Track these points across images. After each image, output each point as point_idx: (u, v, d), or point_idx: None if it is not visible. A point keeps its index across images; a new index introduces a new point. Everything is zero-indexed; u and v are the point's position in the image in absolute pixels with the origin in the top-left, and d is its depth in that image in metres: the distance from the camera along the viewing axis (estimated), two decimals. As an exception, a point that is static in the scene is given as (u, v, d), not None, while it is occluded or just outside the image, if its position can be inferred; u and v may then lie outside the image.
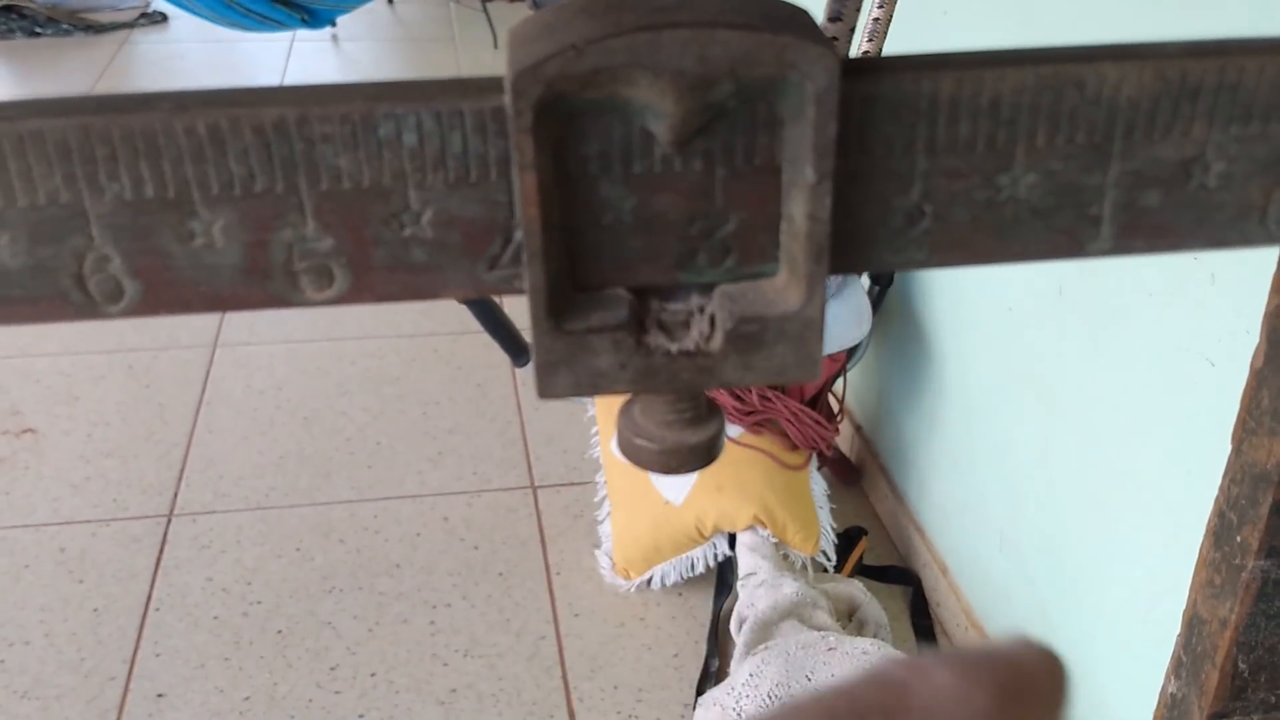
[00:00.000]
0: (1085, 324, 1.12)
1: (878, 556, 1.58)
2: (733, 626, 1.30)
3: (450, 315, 2.04)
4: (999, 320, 1.30)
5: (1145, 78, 0.15)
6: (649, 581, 1.46)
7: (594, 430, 1.60)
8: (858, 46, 0.95)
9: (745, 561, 1.36)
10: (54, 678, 1.34)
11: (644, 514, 1.43)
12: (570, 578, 1.51)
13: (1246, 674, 0.28)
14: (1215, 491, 0.33)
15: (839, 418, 1.54)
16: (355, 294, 0.15)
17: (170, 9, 3.62)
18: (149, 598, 1.46)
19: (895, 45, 1.25)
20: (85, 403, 1.84)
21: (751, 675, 1.12)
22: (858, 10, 0.75)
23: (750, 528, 1.38)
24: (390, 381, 1.92)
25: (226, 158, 0.14)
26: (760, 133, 0.15)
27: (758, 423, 1.45)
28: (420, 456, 1.73)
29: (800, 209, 0.15)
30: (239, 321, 2.06)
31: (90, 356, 1.95)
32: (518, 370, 1.82)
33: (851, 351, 1.51)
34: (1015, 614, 1.30)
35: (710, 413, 0.18)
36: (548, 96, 0.14)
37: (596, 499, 1.55)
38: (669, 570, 1.44)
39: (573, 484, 1.68)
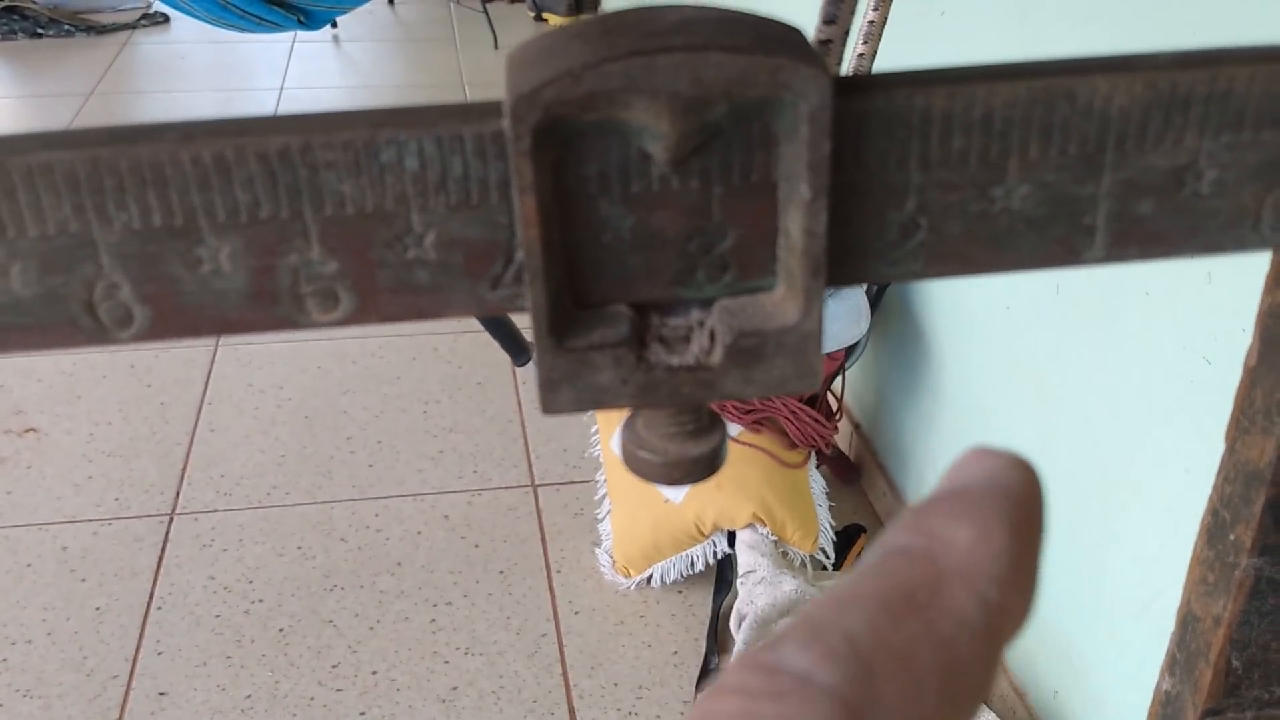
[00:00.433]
0: (1083, 323, 1.12)
1: (877, 554, 1.58)
2: (732, 624, 1.30)
3: (450, 314, 2.04)
4: (997, 319, 1.30)
5: (1136, 89, 0.16)
6: (649, 579, 1.47)
7: (594, 429, 1.61)
8: (853, 48, 0.95)
9: (745, 559, 1.36)
10: (56, 676, 1.35)
11: (644, 512, 1.43)
12: (570, 575, 1.51)
13: (1240, 671, 0.28)
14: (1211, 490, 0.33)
15: (838, 416, 1.54)
16: (361, 315, 0.16)
17: (170, 11, 3.62)
18: (151, 596, 1.46)
19: (893, 47, 1.25)
20: (87, 402, 1.84)
21: (752, 673, 1.12)
22: (852, 13, 0.75)
23: (750, 525, 1.39)
24: (391, 380, 1.92)
25: (232, 186, 0.15)
26: (756, 151, 0.15)
27: (757, 421, 1.45)
28: (421, 455, 1.74)
29: (797, 224, 0.16)
30: (239, 321, 2.06)
31: (92, 356, 1.96)
32: (518, 369, 1.82)
33: (850, 350, 1.51)
34: (1014, 611, 1.31)
35: (712, 425, 0.18)
36: (545, 121, 0.14)
37: (596, 497, 1.55)
38: (669, 568, 1.45)
39: (573, 482, 1.68)
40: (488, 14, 3.59)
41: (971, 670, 0.13)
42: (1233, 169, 0.16)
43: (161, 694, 1.33)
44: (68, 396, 1.85)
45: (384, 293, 0.16)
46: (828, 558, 1.46)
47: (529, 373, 1.59)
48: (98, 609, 1.44)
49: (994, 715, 1.08)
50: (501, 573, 1.52)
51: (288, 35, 3.30)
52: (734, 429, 1.44)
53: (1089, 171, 0.16)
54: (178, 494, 1.64)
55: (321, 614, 1.44)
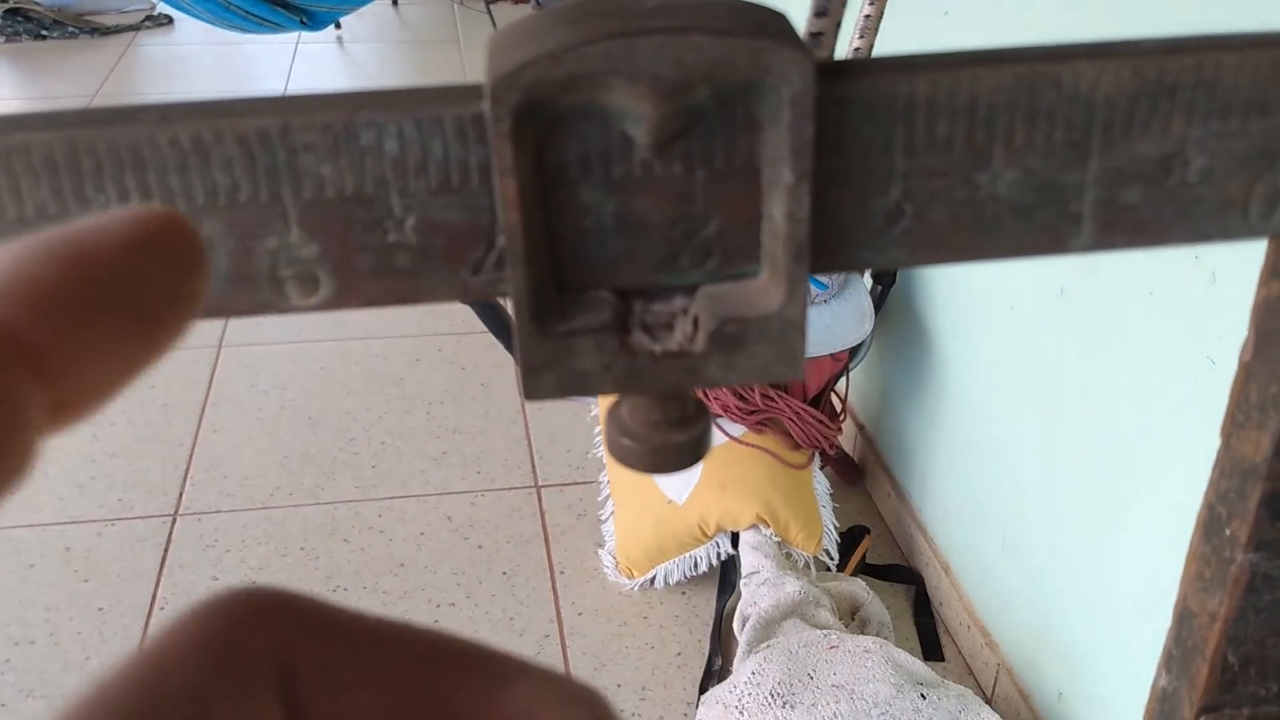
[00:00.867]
0: (1087, 323, 1.12)
1: (880, 555, 1.58)
2: (736, 625, 1.30)
3: (454, 316, 2.05)
4: (1001, 320, 1.30)
5: (1122, 75, 0.15)
6: (652, 580, 1.46)
7: (597, 430, 1.61)
8: (849, 42, 0.95)
9: (748, 560, 1.36)
10: (59, 677, 1.35)
11: (647, 513, 1.43)
12: (574, 577, 1.51)
13: (1236, 667, 0.28)
14: (1211, 488, 0.32)
15: (842, 417, 1.54)
16: (341, 299, 0.16)
17: (174, 12, 3.63)
18: (154, 597, 1.46)
19: (894, 44, 1.25)
20: (91, 403, 1.84)
21: (754, 674, 1.12)
22: (843, 5, 0.75)
23: (753, 526, 1.39)
24: (394, 381, 1.92)
25: (211, 168, 0.15)
26: (739, 135, 0.15)
27: (760, 422, 1.45)
28: (424, 456, 1.74)
29: (780, 210, 0.15)
30: (244, 322, 2.06)
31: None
32: (521, 370, 1.82)
33: (854, 351, 1.51)
34: (1017, 612, 1.30)
35: (697, 412, 0.18)
36: (526, 102, 0.14)
37: (600, 498, 1.55)
38: (672, 569, 1.45)
39: (576, 483, 1.68)
40: (491, 14, 3.59)
41: None
42: (1220, 157, 0.16)
43: (164, 694, 1.33)
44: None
45: (364, 277, 0.16)
46: (831, 559, 1.45)
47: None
48: (101, 610, 1.44)
49: (998, 717, 1.08)
50: (505, 574, 1.51)
51: (291, 36, 3.31)
52: (737, 430, 1.43)
53: (1075, 158, 0.16)
54: (181, 495, 1.64)
55: (324, 615, 1.44)
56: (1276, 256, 0.21)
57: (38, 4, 3.61)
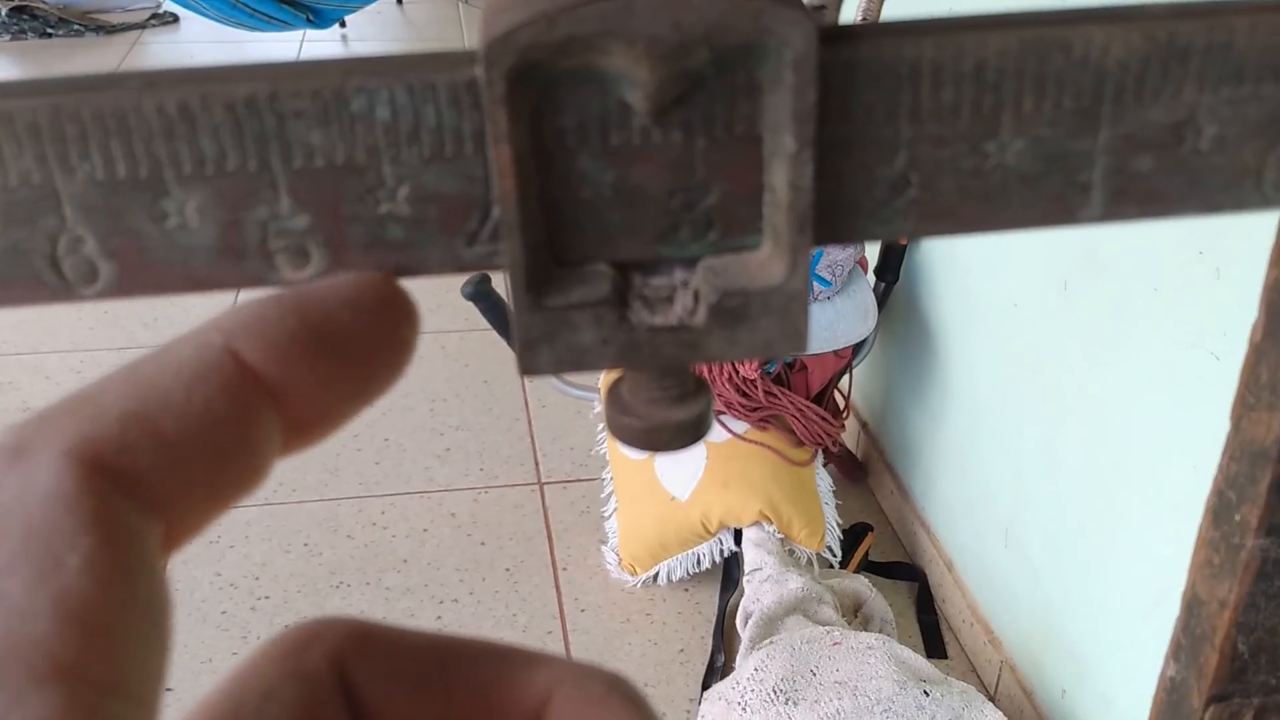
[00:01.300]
0: (1090, 319, 1.11)
1: (883, 552, 1.57)
2: (738, 622, 1.30)
3: (458, 312, 2.04)
4: (1004, 316, 1.29)
5: (1133, 39, 0.15)
6: (655, 577, 1.46)
7: (600, 427, 1.60)
8: (853, 18, 0.94)
9: (751, 557, 1.36)
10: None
11: (650, 510, 1.43)
12: (576, 573, 1.51)
13: (1246, 656, 0.27)
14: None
15: (845, 414, 1.54)
16: (332, 272, 0.15)
17: (180, 10, 3.64)
18: (157, 593, 1.46)
19: (902, 9, 1.26)
20: (94, 399, 1.84)
21: (756, 670, 1.11)
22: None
23: (756, 523, 1.38)
24: (397, 378, 1.92)
25: (197, 135, 0.14)
26: (740, 101, 0.15)
27: (763, 419, 1.44)
28: (428, 453, 1.74)
29: (782, 178, 0.15)
30: (247, 319, 2.06)
31: (100, 353, 1.96)
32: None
33: (857, 348, 1.50)
34: (1021, 609, 1.30)
35: (698, 389, 0.18)
36: (520, 66, 0.14)
37: (603, 495, 1.55)
38: (675, 566, 1.44)
39: (579, 480, 1.68)
40: (496, 14, 3.59)
41: None
42: (1233, 124, 0.16)
43: (167, 690, 1.33)
44: (75, 394, 1.86)
45: (356, 249, 0.15)
46: (834, 556, 1.45)
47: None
48: (104, 605, 1.44)
49: (1001, 714, 1.08)
50: (507, 570, 1.51)
51: (296, 34, 3.30)
52: (740, 427, 1.43)
53: (1085, 126, 0.16)
54: (184, 491, 1.64)
55: (327, 611, 1.44)
56: (1288, 234, 0.21)
57: (43, 2, 3.61)
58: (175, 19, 3.72)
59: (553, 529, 1.59)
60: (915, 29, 0.15)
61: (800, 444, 1.45)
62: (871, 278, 1.52)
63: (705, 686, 1.31)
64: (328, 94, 0.14)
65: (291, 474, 1.68)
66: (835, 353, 1.46)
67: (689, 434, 0.18)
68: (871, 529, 1.55)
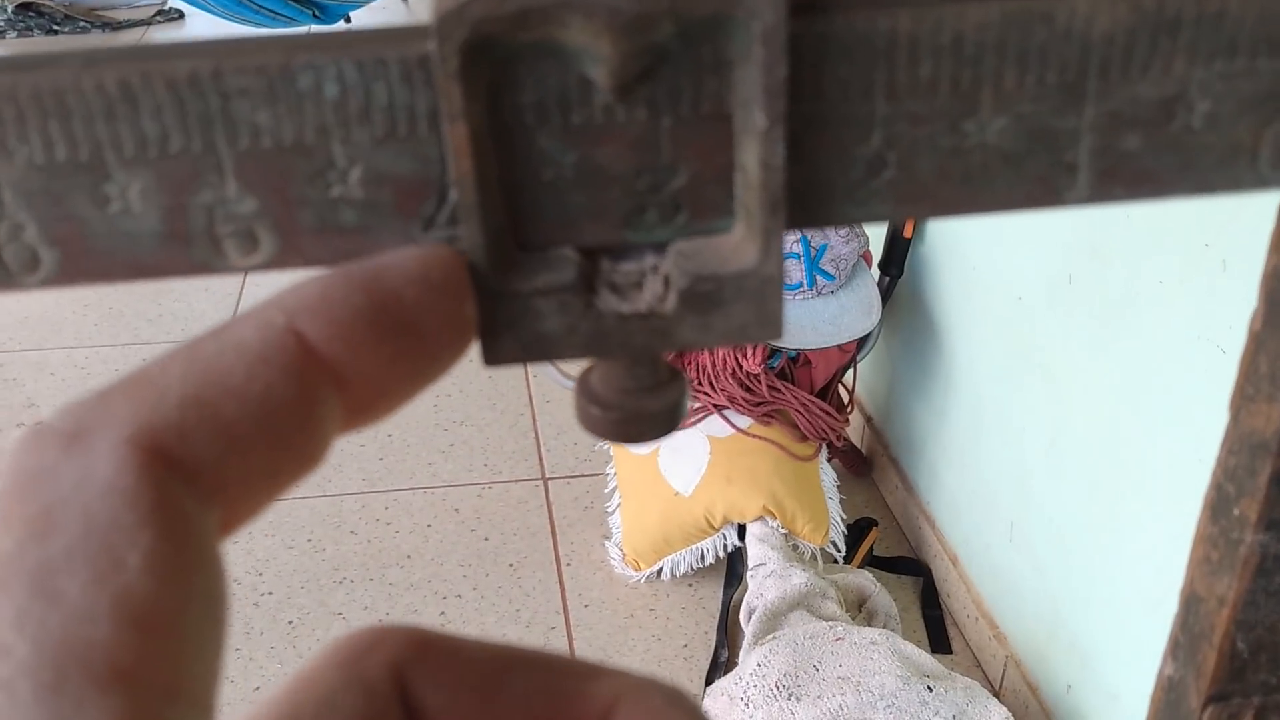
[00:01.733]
0: (1095, 313, 1.10)
1: (888, 547, 1.57)
2: (742, 617, 1.29)
3: (461, 307, 2.04)
4: (1009, 310, 1.29)
5: (1119, 10, 0.14)
6: (659, 572, 1.46)
7: (604, 421, 1.60)
8: None
9: (755, 552, 1.35)
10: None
11: (654, 505, 1.42)
12: (580, 569, 1.50)
13: (1246, 654, 0.27)
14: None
15: (849, 409, 1.53)
16: (283, 258, 0.15)
17: (186, 6, 3.64)
18: (160, 589, 1.46)
19: None
20: (98, 395, 1.84)
21: (759, 665, 1.11)
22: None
23: (760, 518, 1.38)
24: (401, 373, 1.92)
25: (139, 116, 0.14)
26: (707, 77, 0.14)
27: (767, 414, 1.44)
28: (432, 448, 1.73)
29: (753, 157, 0.14)
30: (251, 314, 2.06)
31: (104, 350, 1.96)
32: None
33: (861, 342, 1.50)
34: (1025, 604, 1.29)
35: (670, 377, 0.17)
36: (475, 39, 0.13)
37: (606, 490, 1.55)
38: (679, 561, 1.44)
39: (583, 475, 1.67)
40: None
41: None
42: (1227, 100, 0.15)
43: (170, 686, 1.33)
44: (80, 390, 1.86)
45: (307, 234, 0.15)
46: (838, 551, 1.44)
47: (541, 366, 1.58)
48: (107, 601, 1.44)
49: (1006, 710, 1.07)
50: (511, 566, 1.51)
51: (301, 30, 3.30)
52: (744, 422, 1.42)
53: (1070, 102, 0.15)
54: (188, 487, 1.65)
55: (331, 606, 1.44)
56: (1287, 218, 0.20)
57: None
58: (181, 15, 3.72)
59: (556, 524, 1.58)
60: (890, 1, 0.14)
61: (804, 438, 1.45)
62: (876, 271, 1.51)
63: (709, 682, 1.31)
64: (273, 71, 0.14)
65: (295, 469, 1.68)
66: (839, 347, 1.45)
67: (662, 425, 0.17)
68: (876, 524, 1.55)
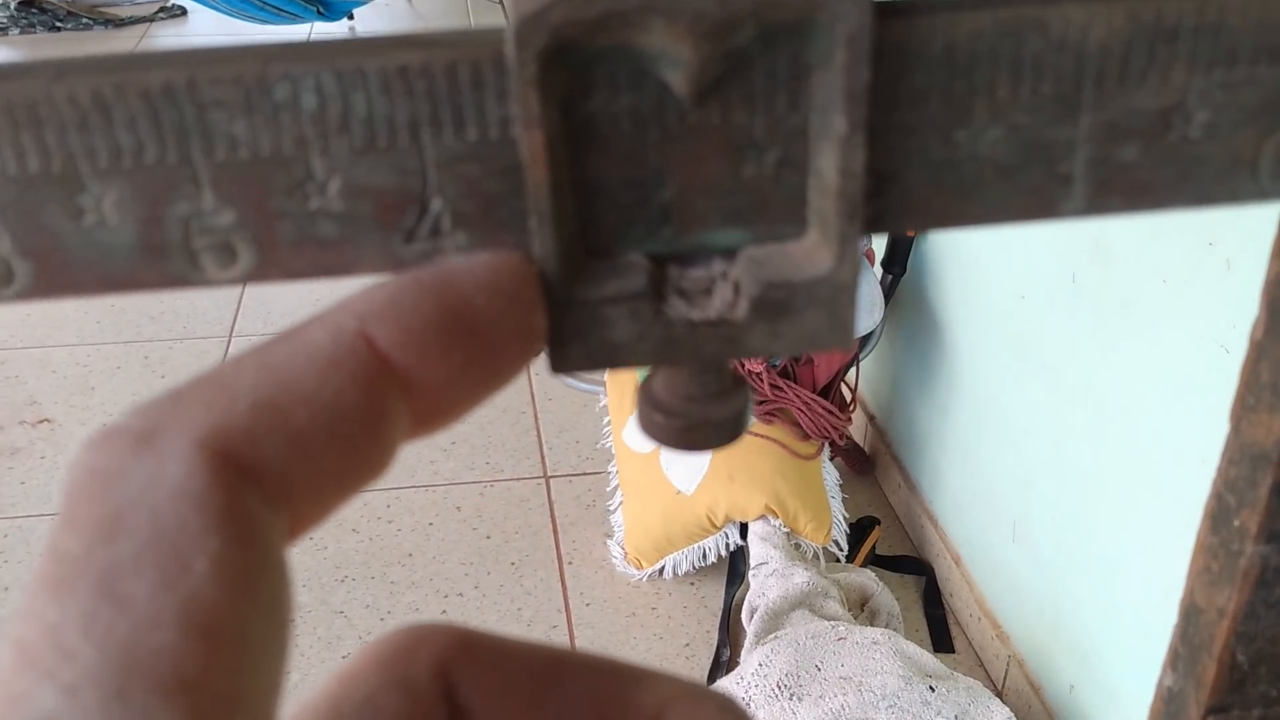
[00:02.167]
0: (1098, 312, 1.10)
1: (890, 546, 1.56)
2: (744, 616, 1.29)
3: (463, 305, 2.04)
4: (1012, 309, 1.28)
5: (1116, 19, 0.14)
6: (661, 571, 1.45)
7: (606, 420, 1.60)
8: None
9: (757, 551, 1.35)
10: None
11: (656, 504, 1.42)
12: (582, 567, 1.50)
13: (1246, 666, 0.26)
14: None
15: (851, 407, 1.53)
16: (262, 272, 0.14)
17: (189, 3, 3.64)
18: (162, 587, 1.47)
19: None
20: (101, 393, 1.84)
21: (760, 665, 1.11)
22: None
23: (762, 517, 1.37)
24: (403, 371, 1.92)
25: (113, 127, 0.14)
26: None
27: (769, 412, 1.43)
28: (433, 446, 1.73)
29: (830, 163, 0.14)
30: (254, 312, 2.06)
31: (107, 347, 1.96)
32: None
33: (864, 341, 1.49)
34: (1028, 604, 1.29)
35: (736, 386, 0.17)
36: (554, 45, 0.13)
37: (608, 489, 1.54)
38: (681, 560, 1.44)
39: (585, 474, 1.67)
40: (504, 6, 3.58)
41: None
42: (1226, 110, 0.15)
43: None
44: (82, 388, 1.86)
45: (286, 247, 0.14)
46: (840, 550, 1.44)
47: (542, 363, 1.58)
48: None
49: (1008, 710, 1.07)
50: (513, 564, 1.51)
51: (304, 27, 3.30)
52: (746, 420, 1.42)
53: (1065, 113, 0.14)
54: (190, 484, 1.65)
55: (332, 604, 1.44)
56: (1289, 227, 0.20)
57: (51, -5, 3.62)
58: (184, 11, 3.72)
59: (558, 523, 1.58)
60: (879, 10, 0.14)
61: (806, 437, 1.44)
62: (878, 270, 1.51)
63: (710, 681, 1.30)
64: (249, 81, 0.13)
65: (297, 467, 1.68)
66: (842, 345, 1.45)
67: (727, 432, 0.17)
68: (878, 522, 1.54)
